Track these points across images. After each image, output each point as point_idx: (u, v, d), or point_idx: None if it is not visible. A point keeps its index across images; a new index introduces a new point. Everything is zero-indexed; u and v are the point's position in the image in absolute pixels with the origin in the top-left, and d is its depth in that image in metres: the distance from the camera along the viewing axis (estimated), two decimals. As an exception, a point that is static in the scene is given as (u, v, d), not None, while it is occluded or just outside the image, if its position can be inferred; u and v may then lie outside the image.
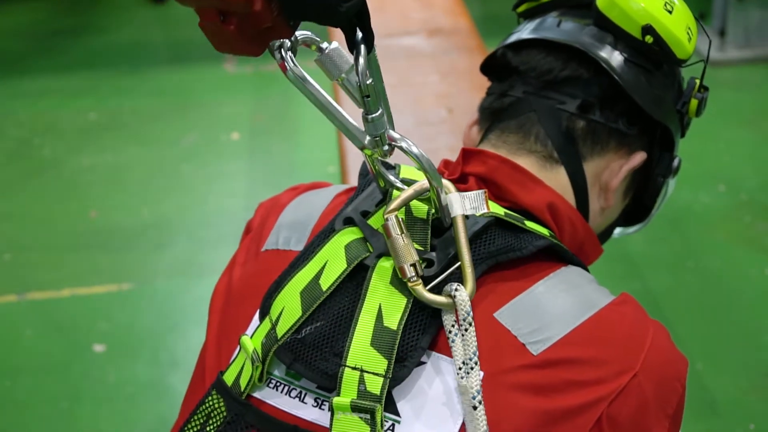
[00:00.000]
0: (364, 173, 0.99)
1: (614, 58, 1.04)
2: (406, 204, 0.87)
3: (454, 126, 2.29)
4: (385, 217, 0.84)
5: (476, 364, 0.81)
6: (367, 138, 0.82)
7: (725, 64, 4.37)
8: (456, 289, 0.82)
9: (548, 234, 0.94)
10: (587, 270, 0.98)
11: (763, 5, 4.50)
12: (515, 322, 0.85)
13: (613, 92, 1.04)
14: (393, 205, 0.85)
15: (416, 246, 0.87)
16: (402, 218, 0.86)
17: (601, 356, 0.85)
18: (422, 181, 0.87)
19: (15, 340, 2.94)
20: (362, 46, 0.76)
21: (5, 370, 2.80)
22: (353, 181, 2.07)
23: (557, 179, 1.03)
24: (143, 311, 3.04)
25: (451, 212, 0.86)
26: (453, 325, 0.83)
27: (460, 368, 0.81)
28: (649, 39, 1.03)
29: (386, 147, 0.82)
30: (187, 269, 3.22)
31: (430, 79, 2.61)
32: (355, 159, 2.20)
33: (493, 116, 1.08)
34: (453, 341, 0.82)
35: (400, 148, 0.83)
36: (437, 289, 0.84)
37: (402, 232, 0.83)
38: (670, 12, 1.03)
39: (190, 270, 3.22)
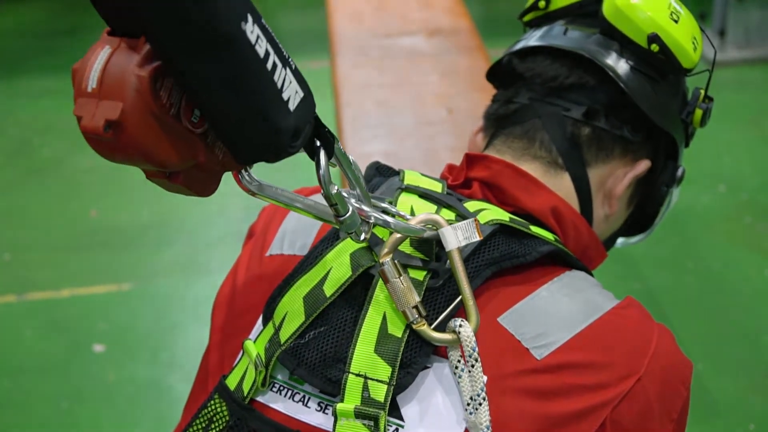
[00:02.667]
0: (368, 178, 0.99)
1: (620, 66, 1.04)
2: (397, 246, 0.86)
3: (454, 126, 2.29)
4: (381, 261, 0.83)
5: (484, 399, 0.80)
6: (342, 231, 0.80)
7: (725, 64, 4.37)
8: (460, 325, 0.82)
9: (553, 239, 0.94)
10: (591, 274, 0.97)
11: (763, 5, 4.51)
12: (519, 326, 0.85)
13: (619, 100, 1.04)
14: (385, 250, 0.84)
15: (418, 255, 0.87)
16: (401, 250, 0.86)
17: (605, 360, 0.85)
18: (414, 224, 0.85)
19: (15, 340, 2.94)
20: (322, 154, 0.74)
21: (5, 370, 2.80)
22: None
23: (561, 185, 1.03)
24: (143, 311, 3.04)
25: (445, 246, 0.84)
26: (459, 361, 0.82)
27: (468, 404, 0.81)
28: (655, 48, 1.03)
29: (363, 236, 0.81)
30: (187, 269, 3.22)
31: (430, 79, 2.61)
32: (355, 160, 2.19)
33: (498, 122, 1.08)
34: (460, 377, 0.82)
35: (377, 224, 0.82)
36: (442, 325, 0.84)
37: (400, 275, 0.83)
38: (676, 21, 1.04)
39: (190, 270, 3.22)
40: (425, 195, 0.93)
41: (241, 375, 0.88)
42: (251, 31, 0.63)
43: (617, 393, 0.83)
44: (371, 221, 0.81)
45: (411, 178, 0.95)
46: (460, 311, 0.84)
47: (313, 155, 0.74)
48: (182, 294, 3.11)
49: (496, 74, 1.15)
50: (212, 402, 0.88)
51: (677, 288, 2.97)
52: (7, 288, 3.19)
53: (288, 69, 0.67)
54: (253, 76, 0.64)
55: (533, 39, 1.09)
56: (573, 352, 0.84)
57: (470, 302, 0.83)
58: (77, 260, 3.31)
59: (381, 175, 1.00)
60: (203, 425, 0.88)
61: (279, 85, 0.66)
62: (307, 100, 0.70)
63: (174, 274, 3.20)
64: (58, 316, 3.04)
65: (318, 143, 0.74)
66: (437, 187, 0.95)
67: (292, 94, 0.68)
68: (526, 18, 1.15)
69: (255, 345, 0.87)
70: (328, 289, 0.87)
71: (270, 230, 1.03)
